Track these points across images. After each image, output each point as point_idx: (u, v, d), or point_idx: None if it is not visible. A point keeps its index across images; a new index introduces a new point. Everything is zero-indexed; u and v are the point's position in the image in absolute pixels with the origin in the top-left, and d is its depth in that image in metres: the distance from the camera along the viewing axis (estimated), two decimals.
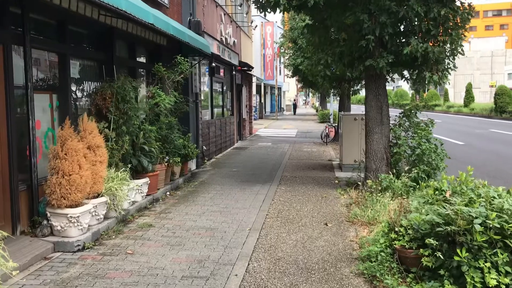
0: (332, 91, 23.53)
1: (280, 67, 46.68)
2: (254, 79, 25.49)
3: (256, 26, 27.25)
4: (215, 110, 15.00)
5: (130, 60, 9.29)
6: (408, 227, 4.58)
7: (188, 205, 7.74)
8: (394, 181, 7.22)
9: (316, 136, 21.82)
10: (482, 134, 21.52)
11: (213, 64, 13.16)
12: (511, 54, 67.77)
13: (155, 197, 8.05)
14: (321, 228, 6.36)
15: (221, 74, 15.67)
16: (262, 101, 41.95)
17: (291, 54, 39.94)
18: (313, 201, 8.06)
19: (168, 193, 8.67)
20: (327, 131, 17.63)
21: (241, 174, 11.00)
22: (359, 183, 8.69)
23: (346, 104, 18.38)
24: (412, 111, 8.39)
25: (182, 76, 9.01)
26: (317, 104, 71.82)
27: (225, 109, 16.47)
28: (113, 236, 5.98)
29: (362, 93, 20.28)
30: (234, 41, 17.53)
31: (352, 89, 18.49)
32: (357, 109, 40.83)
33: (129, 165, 7.17)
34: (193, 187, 9.39)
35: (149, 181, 7.75)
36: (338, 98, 25.74)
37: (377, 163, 8.14)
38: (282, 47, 40.12)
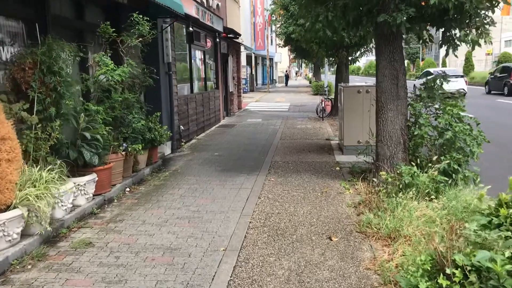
0: (327, 60, 21.64)
1: (271, 37, 44.33)
2: (242, 49, 23.32)
3: None
4: (196, 83, 13.07)
5: (77, 21, 7.32)
6: (467, 266, 2.85)
7: (149, 208, 5.96)
8: (418, 175, 5.47)
9: (310, 110, 19.99)
10: (490, 105, 19.80)
11: (191, 29, 11.15)
12: (507, 21, 65.49)
13: (107, 197, 6.25)
14: (324, 245, 4.62)
15: (203, 41, 13.66)
16: (253, 72, 39.82)
17: (282, 22, 37.77)
18: (310, 198, 6.31)
19: (127, 189, 6.88)
20: (323, 105, 15.77)
21: (224, 159, 9.21)
22: (367, 173, 6.96)
23: (344, 75, 16.47)
24: (437, 82, 6.55)
25: (141, 40, 7.07)
26: (310, 75, 69.60)
27: (208, 81, 14.52)
28: (29, 266, 4.20)
29: (362, 61, 18.24)
30: (218, 4, 15.45)
31: (350, 57, 16.54)
32: (351, 79, 38.73)
33: (64, 159, 5.35)
34: (162, 179, 7.60)
35: (96, 178, 5.93)
36: (333, 69, 23.72)
37: (392, 148, 6.38)
38: (273, 15, 37.82)
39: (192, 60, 12.54)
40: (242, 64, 36.11)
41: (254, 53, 38.79)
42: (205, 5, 13.20)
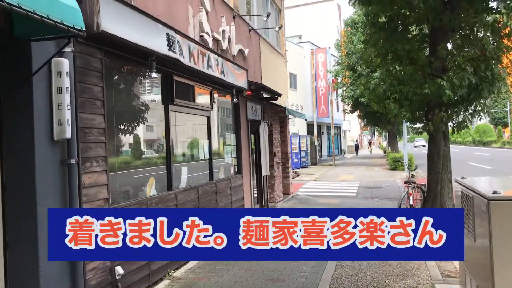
0: (410, 126, 15.56)
1: (337, 101, 38.96)
2: (290, 116, 17.76)
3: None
4: (183, 169, 7.60)
5: None
6: None
7: None
8: None
9: (388, 196, 13.79)
10: None
11: (154, 74, 5.89)
12: None
13: None
14: None
15: (202, 100, 8.40)
16: (316, 143, 34.16)
17: (348, 85, 32.29)
18: None
19: None
20: (411, 202, 9.46)
21: None
22: None
23: (442, 150, 10.09)
24: None
25: None
26: (384, 143, 62.50)
27: (215, 162, 9.03)
28: None
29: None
30: (241, 50, 10.31)
31: (452, 121, 10.33)
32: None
33: None
34: None
35: None
36: (408, 136, 17.37)
37: None
38: (337, 77, 32.56)
39: (173, 131, 7.19)
40: (301, 133, 30.72)
41: (317, 121, 33.43)
42: (209, 45, 8.08)
